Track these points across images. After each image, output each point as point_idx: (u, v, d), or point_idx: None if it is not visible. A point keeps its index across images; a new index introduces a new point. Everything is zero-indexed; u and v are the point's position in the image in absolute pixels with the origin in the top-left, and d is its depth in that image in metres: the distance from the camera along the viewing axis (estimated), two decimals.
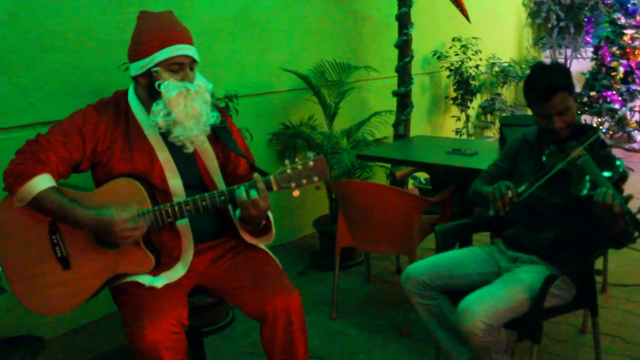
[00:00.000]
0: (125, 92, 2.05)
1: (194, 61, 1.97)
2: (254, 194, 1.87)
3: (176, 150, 2.01)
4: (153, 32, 1.92)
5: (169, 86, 1.89)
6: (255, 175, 1.88)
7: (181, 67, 1.93)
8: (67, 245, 1.93)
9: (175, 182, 2.02)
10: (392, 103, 4.60)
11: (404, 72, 4.51)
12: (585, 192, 1.98)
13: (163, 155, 2.01)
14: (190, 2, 3.48)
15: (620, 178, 1.98)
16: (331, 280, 3.29)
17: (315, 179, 1.86)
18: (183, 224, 2.03)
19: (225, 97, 3.36)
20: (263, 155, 4.04)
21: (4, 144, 2.70)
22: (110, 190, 1.94)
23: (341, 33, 4.65)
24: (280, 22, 4.11)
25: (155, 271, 2.00)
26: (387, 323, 3.14)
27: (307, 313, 3.18)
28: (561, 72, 2.17)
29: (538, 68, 2.21)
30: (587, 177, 1.99)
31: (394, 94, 4.57)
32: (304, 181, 1.86)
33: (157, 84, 1.91)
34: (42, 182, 1.85)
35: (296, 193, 1.89)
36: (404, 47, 4.45)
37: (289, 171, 1.86)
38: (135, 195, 1.92)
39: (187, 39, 1.95)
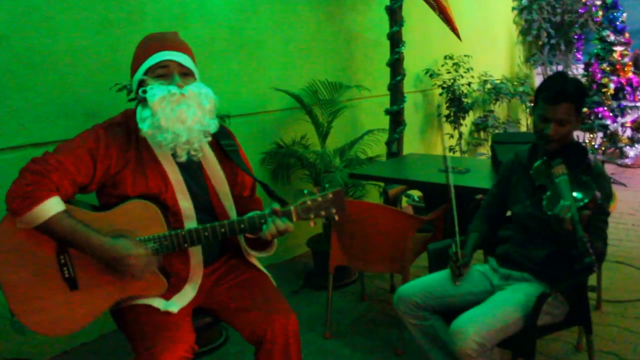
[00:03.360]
0: (135, 111, 2.00)
1: (183, 67, 1.93)
2: (277, 222, 1.88)
3: (187, 172, 2.00)
4: (144, 45, 1.96)
5: (152, 89, 1.86)
6: (276, 206, 1.89)
7: (167, 73, 1.90)
8: (76, 265, 1.87)
9: (186, 204, 1.99)
10: (384, 121, 4.62)
11: (396, 90, 4.54)
12: (551, 210, 1.99)
13: (175, 177, 1.98)
14: (183, 23, 3.51)
15: (591, 202, 1.98)
16: (325, 299, 3.28)
17: (333, 211, 1.87)
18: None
19: (218, 117, 3.37)
20: (256, 175, 4.02)
21: None
22: (126, 212, 1.90)
23: (333, 52, 4.68)
24: (272, 42, 4.14)
25: (167, 294, 1.97)
26: (381, 342, 3.12)
27: (300, 333, 3.18)
28: (578, 87, 2.19)
29: (560, 74, 2.25)
30: (560, 198, 1.99)
31: (387, 112, 4.59)
32: (323, 213, 1.87)
33: (140, 90, 1.88)
34: (53, 206, 1.77)
35: (312, 224, 1.92)
36: (395, 65, 4.49)
37: (309, 203, 1.88)
38: (152, 219, 1.89)
39: (175, 47, 1.94)
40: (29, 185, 1.76)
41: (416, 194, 4.96)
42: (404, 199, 5.09)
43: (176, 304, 1.95)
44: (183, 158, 1.94)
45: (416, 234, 3.05)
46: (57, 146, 1.89)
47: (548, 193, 2.09)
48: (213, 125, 1.97)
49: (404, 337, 2.98)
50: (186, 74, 1.94)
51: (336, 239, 3.16)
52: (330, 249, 3.17)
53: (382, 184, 4.24)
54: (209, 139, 2.00)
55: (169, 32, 2.02)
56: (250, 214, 1.93)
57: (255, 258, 2.23)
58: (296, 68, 4.32)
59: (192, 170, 2.02)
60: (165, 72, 1.90)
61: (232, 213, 2.10)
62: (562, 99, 2.14)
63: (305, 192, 1.90)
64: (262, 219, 1.90)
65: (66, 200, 1.85)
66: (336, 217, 1.88)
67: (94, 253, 1.82)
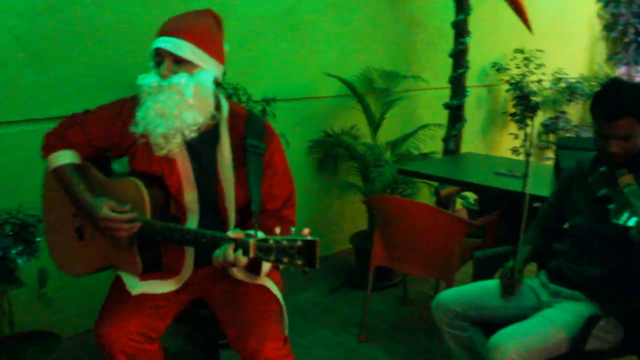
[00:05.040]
0: None
1: (177, 56, 1.86)
2: (227, 251, 1.80)
3: (200, 165, 2.01)
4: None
5: (142, 79, 1.89)
6: (231, 233, 1.82)
7: (160, 61, 1.88)
8: (83, 219, 2.08)
9: (191, 196, 2.01)
10: (443, 116, 4.58)
11: (457, 84, 4.49)
12: (622, 221, 1.93)
13: (183, 166, 1.99)
14: (234, 0, 3.56)
15: None
16: (364, 300, 3.30)
17: (299, 262, 1.67)
18: None
19: (263, 100, 3.41)
20: (301, 164, 4.08)
21: (32, 135, 2.80)
22: (120, 186, 2.00)
23: (392, 39, 4.66)
24: (327, 24, 4.15)
25: (147, 276, 2.03)
26: (418, 351, 3.12)
27: (333, 333, 3.23)
28: (637, 97, 2.07)
29: (613, 83, 2.14)
30: (629, 207, 1.94)
31: (446, 106, 4.55)
32: (285, 259, 1.69)
33: (140, 77, 1.91)
34: (62, 158, 2.02)
35: (277, 267, 1.79)
36: (459, 56, 4.44)
37: (271, 242, 1.71)
38: (138, 203, 1.94)
39: (175, 32, 1.87)
40: (52, 134, 2.07)
41: (472, 196, 4.91)
42: (459, 201, 5.04)
43: (142, 287, 2.01)
44: (163, 152, 1.92)
45: (465, 239, 3.03)
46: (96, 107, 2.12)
47: (613, 205, 2.04)
48: (190, 122, 1.87)
49: (442, 348, 2.96)
50: (180, 62, 1.87)
51: (379, 237, 3.17)
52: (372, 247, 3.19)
53: (435, 183, 4.22)
54: (193, 135, 1.91)
55: (189, 12, 1.99)
56: (215, 232, 1.86)
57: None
58: (350, 53, 4.32)
59: (204, 162, 2.01)
60: (159, 60, 1.89)
61: (232, 221, 2.06)
62: (619, 115, 2.05)
63: (277, 229, 1.72)
64: (222, 241, 1.82)
65: (86, 158, 2.07)
66: (305, 270, 1.69)
67: (81, 208, 2.00)
